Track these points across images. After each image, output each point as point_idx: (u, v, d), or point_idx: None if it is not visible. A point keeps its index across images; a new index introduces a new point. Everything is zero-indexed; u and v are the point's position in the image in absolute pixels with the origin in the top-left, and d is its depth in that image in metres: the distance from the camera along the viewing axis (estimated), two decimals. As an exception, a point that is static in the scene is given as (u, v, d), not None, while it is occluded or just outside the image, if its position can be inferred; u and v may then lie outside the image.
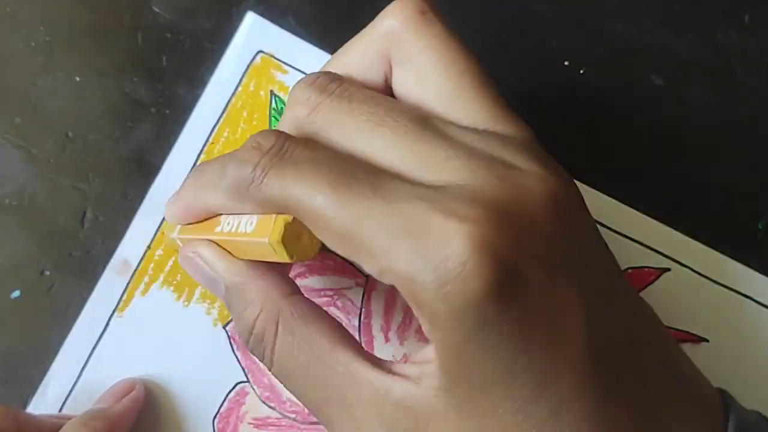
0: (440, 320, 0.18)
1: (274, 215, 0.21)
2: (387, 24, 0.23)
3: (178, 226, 0.26)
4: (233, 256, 0.24)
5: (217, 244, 0.24)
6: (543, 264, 0.19)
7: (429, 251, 0.18)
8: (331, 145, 0.21)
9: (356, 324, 0.31)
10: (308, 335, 0.22)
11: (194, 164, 0.33)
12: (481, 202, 0.18)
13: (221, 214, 0.24)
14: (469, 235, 0.18)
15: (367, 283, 0.31)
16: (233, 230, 0.23)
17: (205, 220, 0.24)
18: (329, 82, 0.22)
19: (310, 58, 0.34)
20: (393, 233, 0.18)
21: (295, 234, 0.21)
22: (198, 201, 0.24)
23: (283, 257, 0.21)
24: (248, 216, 0.22)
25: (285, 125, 0.23)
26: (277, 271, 0.24)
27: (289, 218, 0.21)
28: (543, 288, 0.19)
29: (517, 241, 0.18)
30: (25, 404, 0.30)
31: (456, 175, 0.19)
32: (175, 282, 0.31)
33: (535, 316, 0.18)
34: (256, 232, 0.22)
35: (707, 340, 0.31)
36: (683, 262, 0.32)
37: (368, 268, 0.19)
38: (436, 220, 0.18)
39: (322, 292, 0.31)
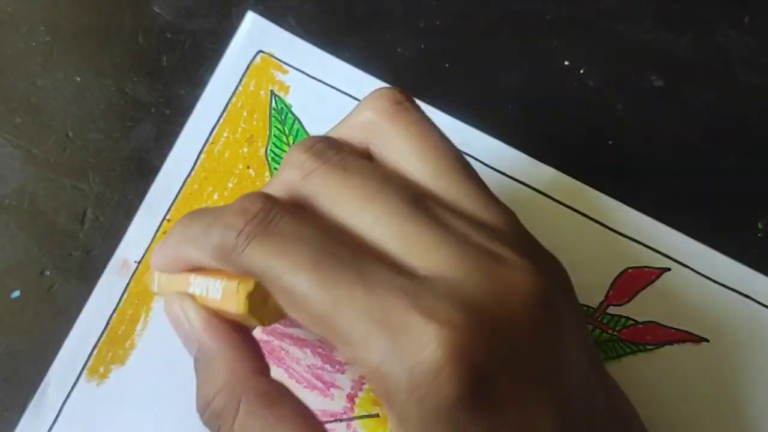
0: (410, 422, 0.18)
1: (236, 282, 0.21)
2: (364, 116, 0.23)
3: (157, 273, 0.25)
4: (216, 316, 0.23)
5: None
6: (520, 374, 0.19)
7: (406, 351, 0.18)
8: (320, 214, 0.21)
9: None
10: (270, 420, 0.21)
11: (194, 164, 0.33)
12: (464, 303, 0.18)
13: (192, 273, 0.23)
14: (447, 341, 0.18)
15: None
16: (203, 294, 0.22)
17: (186, 272, 0.24)
18: (327, 149, 0.22)
19: (310, 57, 0.34)
20: (371, 324, 0.18)
21: (261, 299, 0.21)
22: (181, 254, 0.23)
23: (255, 324, 0.21)
24: (214, 280, 0.22)
25: (276, 187, 0.22)
26: (250, 345, 0.23)
27: (251, 286, 0.21)
28: (517, 397, 0.18)
29: (495, 350, 0.18)
30: (25, 404, 0.30)
31: (442, 265, 0.19)
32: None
33: (507, 425, 0.18)
34: (223, 299, 0.21)
35: (707, 340, 0.31)
36: (683, 262, 0.32)
37: (341, 353, 0.19)
38: (416, 319, 0.18)
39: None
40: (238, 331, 0.23)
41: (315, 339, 0.30)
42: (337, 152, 0.22)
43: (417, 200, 0.21)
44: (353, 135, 0.23)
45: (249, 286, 0.21)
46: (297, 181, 0.22)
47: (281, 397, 0.22)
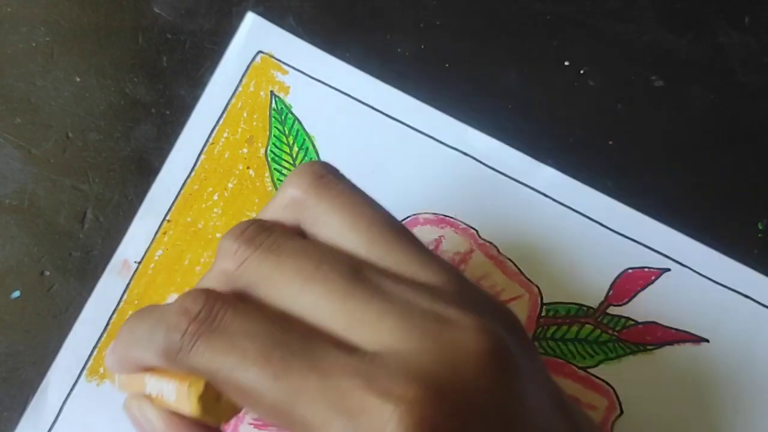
0: None
1: (187, 384, 0.21)
2: (289, 194, 0.23)
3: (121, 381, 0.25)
4: (176, 416, 0.22)
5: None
6: (479, 430, 0.19)
7: None
8: (262, 303, 0.21)
9: None
10: None
11: (194, 164, 0.33)
12: (417, 375, 0.18)
13: (147, 372, 0.23)
14: (406, 418, 0.18)
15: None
16: (159, 396, 0.22)
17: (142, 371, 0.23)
18: (257, 234, 0.22)
19: (310, 58, 0.34)
20: (329, 410, 0.18)
21: (214, 398, 0.21)
22: (131, 356, 0.22)
23: (212, 423, 0.21)
24: (167, 382, 0.22)
25: (214, 278, 0.22)
26: None
27: (201, 388, 0.20)
28: None
29: (456, 417, 0.18)
30: (25, 404, 0.30)
31: (389, 338, 0.19)
32: (175, 282, 0.31)
33: None
34: (177, 401, 0.21)
35: (707, 340, 0.31)
36: (683, 262, 0.32)
37: None
38: (372, 400, 0.18)
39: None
40: (200, 429, 0.22)
41: None
42: (269, 235, 0.22)
43: (355, 273, 0.20)
44: (283, 215, 0.23)
45: (199, 387, 0.20)
46: (232, 271, 0.21)
47: None
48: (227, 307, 0.20)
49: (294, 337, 0.19)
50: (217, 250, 0.22)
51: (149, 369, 0.22)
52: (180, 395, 0.21)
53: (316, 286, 0.20)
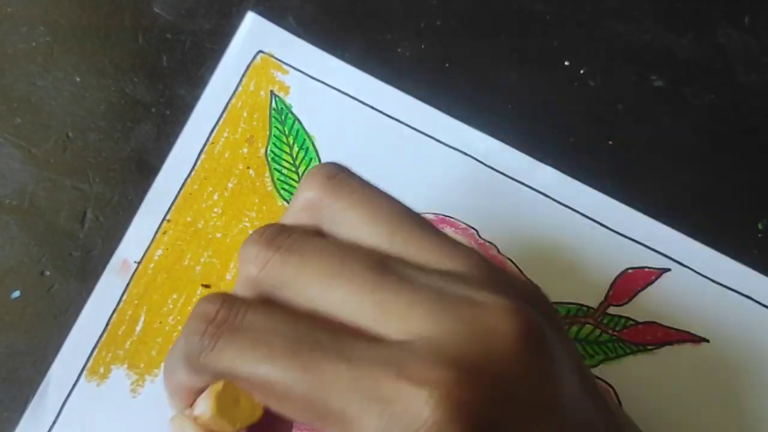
0: None
1: (211, 386, 0.20)
2: (305, 197, 0.23)
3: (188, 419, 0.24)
4: None
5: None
6: (517, 414, 0.18)
7: (404, 420, 0.17)
8: (288, 304, 0.20)
9: None
10: None
11: (194, 164, 0.33)
12: (450, 359, 0.18)
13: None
14: (442, 402, 0.17)
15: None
16: (199, 412, 0.21)
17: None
18: (277, 235, 0.21)
19: (310, 58, 0.34)
20: (362, 399, 0.18)
21: (231, 400, 0.20)
22: (173, 384, 0.22)
23: (226, 428, 0.20)
24: (204, 393, 0.21)
25: (239, 288, 0.22)
26: None
27: (219, 386, 0.20)
28: None
29: (490, 397, 0.18)
30: (25, 404, 0.30)
31: (421, 325, 0.19)
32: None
33: None
34: (205, 409, 0.21)
35: (707, 340, 0.31)
36: (683, 262, 0.32)
37: None
38: (406, 387, 0.18)
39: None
40: None
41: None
42: (289, 235, 0.21)
43: (381, 265, 0.20)
44: (301, 218, 0.23)
45: (218, 385, 0.20)
46: (256, 275, 0.21)
47: None
48: (247, 307, 0.20)
49: (322, 332, 0.19)
50: (239, 260, 0.22)
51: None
52: (206, 400, 0.21)
53: (343, 282, 0.20)
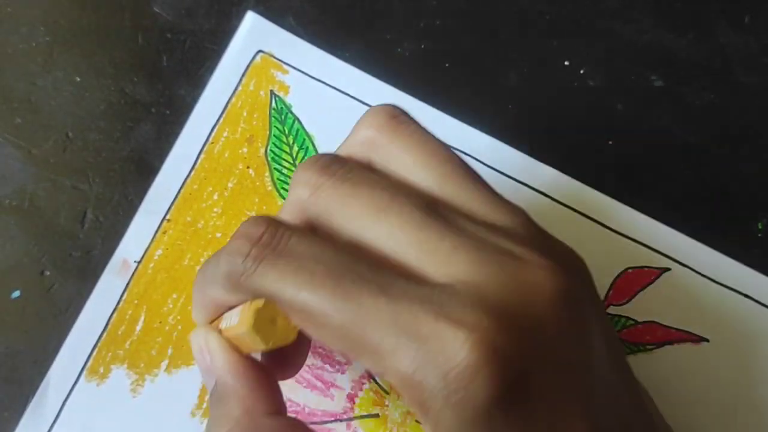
0: (446, 427, 0.18)
1: (249, 302, 0.20)
2: (363, 134, 0.23)
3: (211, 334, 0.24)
4: (237, 352, 0.22)
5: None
6: (548, 369, 0.19)
7: (439, 358, 0.18)
8: (334, 232, 0.21)
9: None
10: None
11: (194, 164, 0.33)
12: (489, 305, 0.18)
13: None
14: (480, 344, 0.18)
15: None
16: (228, 325, 0.22)
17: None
18: (331, 163, 0.22)
19: (310, 57, 0.34)
20: (400, 334, 0.18)
21: (269, 319, 0.20)
22: (205, 298, 0.23)
23: (258, 345, 0.21)
24: (236, 308, 0.21)
25: (287, 209, 0.22)
26: (268, 384, 0.22)
27: (260, 303, 0.20)
28: (548, 394, 0.19)
29: (524, 347, 0.18)
30: (25, 404, 0.30)
31: (462, 270, 0.19)
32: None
33: (539, 423, 0.18)
34: (238, 323, 0.21)
35: (707, 340, 0.31)
36: (683, 262, 0.32)
37: (370, 365, 0.19)
38: (444, 326, 0.18)
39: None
40: (257, 369, 0.22)
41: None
42: (343, 164, 0.22)
43: (429, 207, 0.20)
44: (355, 152, 0.23)
45: (258, 303, 0.20)
46: (306, 198, 0.21)
47: None
48: (293, 232, 0.20)
49: (365, 264, 0.19)
50: (291, 183, 0.22)
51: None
52: (242, 314, 0.21)
53: (390, 217, 0.20)
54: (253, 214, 0.32)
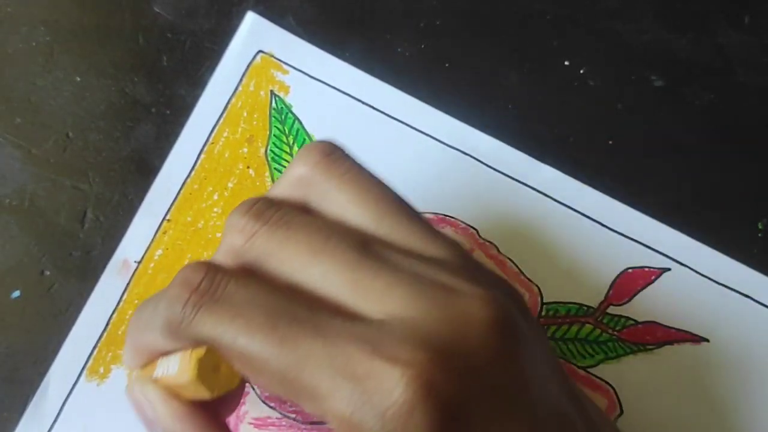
0: None
1: (189, 351, 0.20)
2: (297, 172, 0.23)
3: (132, 373, 0.24)
4: (178, 398, 0.22)
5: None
6: (490, 403, 0.19)
7: (375, 397, 0.18)
8: (270, 276, 0.21)
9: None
10: None
11: (194, 164, 0.33)
12: (424, 341, 0.18)
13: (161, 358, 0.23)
14: (414, 381, 0.18)
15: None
16: (165, 374, 0.22)
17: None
18: (266, 209, 0.22)
19: (310, 57, 0.34)
20: (336, 376, 0.18)
21: (212, 366, 0.20)
22: (140, 343, 0.23)
23: (203, 394, 0.21)
24: (174, 356, 0.21)
25: (221, 255, 0.22)
26: (216, 424, 0.22)
27: (201, 352, 0.20)
28: (489, 422, 0.19)
29: (461, 382, 0.18)
30: (25, 404, 0.30)
31: (397, 306, 0.19)
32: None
33: None
34: (179, 372, 0.21)
35: (707, 340, 0.31)
36: (683, 262, 0.32)
37: (310, 409, 0.19)
38: (380, 365, 0.18)
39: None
40: (204, 413, 0.22)
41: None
42: (277, 210, 0.22)
43: (364, 246, 0.21)
44: (290, 192, 0.23)
45: (200, 351, 0.20)
46: (241, 245, 0.21)
47: None
48: (230, 277, 0.20)
49: (301, 306, 0.20)
50: (224, 228, 0.22)
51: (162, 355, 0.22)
52: (182, 363, 0.21)
53: (325, 258, 0.20)
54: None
